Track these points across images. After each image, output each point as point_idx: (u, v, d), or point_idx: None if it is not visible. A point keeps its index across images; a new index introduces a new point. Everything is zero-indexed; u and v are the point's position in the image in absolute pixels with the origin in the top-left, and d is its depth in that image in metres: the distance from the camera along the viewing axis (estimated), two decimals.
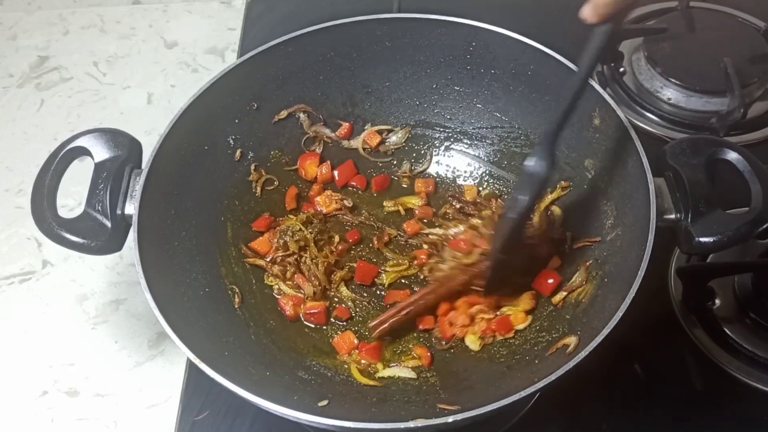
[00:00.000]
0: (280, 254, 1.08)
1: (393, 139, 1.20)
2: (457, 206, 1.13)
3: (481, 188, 1.17)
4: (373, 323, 1.01)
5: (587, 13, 0.78)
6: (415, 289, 1.07)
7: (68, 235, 0.91)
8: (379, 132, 1.19)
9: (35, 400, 1.08)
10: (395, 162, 1.20)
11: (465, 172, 1.19)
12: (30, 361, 1.12)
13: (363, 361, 1.00)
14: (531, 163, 0.89)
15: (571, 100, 0.86)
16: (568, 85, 0.87)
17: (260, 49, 1.08)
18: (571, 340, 0.90)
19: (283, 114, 1.14)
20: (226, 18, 1.60)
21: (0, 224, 1.28)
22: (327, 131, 1.18)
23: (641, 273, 0.83)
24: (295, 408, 0.77)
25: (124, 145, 0.98)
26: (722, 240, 0.88)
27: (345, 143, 1.19)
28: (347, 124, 1.18)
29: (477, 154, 1.18)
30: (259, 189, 1.13)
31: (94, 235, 0.92)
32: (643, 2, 0.70)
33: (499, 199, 1.13)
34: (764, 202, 0.89)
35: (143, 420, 1.05)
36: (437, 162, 1.20)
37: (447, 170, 1.19)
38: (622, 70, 1.38)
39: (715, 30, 1.38)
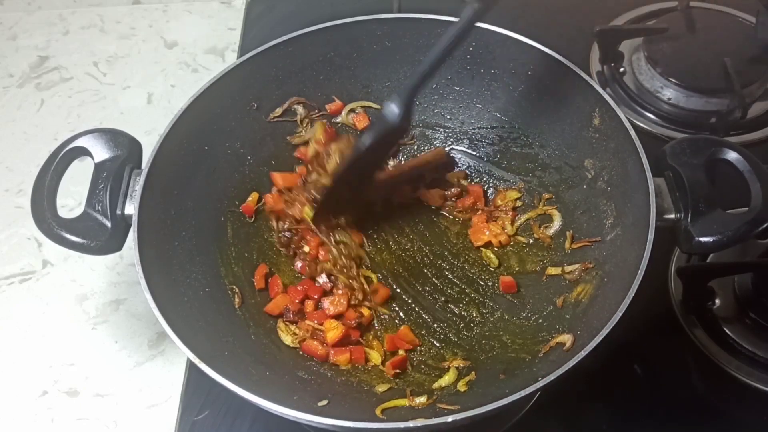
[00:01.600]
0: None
1: None
2: None
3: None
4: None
5: None
6: None
7: (68, 235, 0.91)
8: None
9: (35, 400, 1.08)
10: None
11: (465, 172, 1.18)
12: (30, 361, 1.12)
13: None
14: (387, 108, 0.92)
15: (439, 54, 0.89)
16: (442, 37, 0.89)
17: (260, 49, 1.08)
18: (566, 338, 0.91)
19: (278, 111, 1.13)
20: (226, 18, 1.60)
21: (0, 224, 1.28)
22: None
23: (641, 273, 0.83)
24: (295, 408, 0.77)
25: (124, 145, 0.98)
26: (722, 240, 0.88)
27: (338, 119, 1.19)
28: (339, 101, 1.17)
29: (477, 154, 1.18)
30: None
31: (94, 235, 0.92)
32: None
33: None
34: (764, 201, 0.89)
35: (143, 420, 1.05)
36: None
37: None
38: (622, 70, 1.38)
39: (715, 30, 1.38)
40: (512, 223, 1.11)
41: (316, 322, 1.02)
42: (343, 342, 1.00)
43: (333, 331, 1.00)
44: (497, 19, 1.08)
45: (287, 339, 1.01)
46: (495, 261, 1.09)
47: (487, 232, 1.10)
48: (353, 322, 1.02)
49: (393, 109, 0.92)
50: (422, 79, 0.91)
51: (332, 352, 1.00)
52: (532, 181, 1.14)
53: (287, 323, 1.03)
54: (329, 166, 1.09)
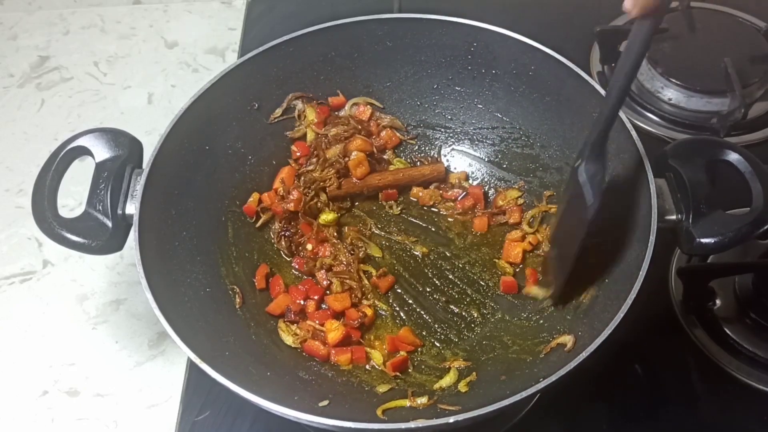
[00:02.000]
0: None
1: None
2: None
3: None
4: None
5: (628, 4, 0.73)
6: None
7: (69, 235, 0.91)
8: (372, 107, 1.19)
9: (35, 399, 1.08)
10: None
11: (466, 172, 1.19)
12: (30, 361, 1.12)
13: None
14: (586, 169, 0.85)
15: (616, 101, 0.82)
16: (609, 90, 0.83)
17: (261, 49, 1.08)
18: (567, 339, 0.91)
19: (278, 112, 1.13)
20: (227, 18, 1.60)
21: (0, 224, 1.28)
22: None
23: (642, 274, 0.83)
24: (295, 408, 0.77)
25: (125, 144, 0.97)
26: (723, 241, 0.88)
27: (341, 113, 1.18)
28: (342, 96, 1.17)
29: (478, 155, 1.18)
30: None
31: (95, 234, 0.92)
32: None
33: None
34: (765, 202, 0.89)
35: (143, 420, 1.05)
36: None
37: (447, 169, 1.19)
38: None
39: (716, 30, 1.38)
40: (527, 222, 1.12)
41: (317, 322, 1.02)
42: (344, 342, 1.00)
43: (334, 332, 1.00)
44: (498, 19, 1.09)
45: (288, 339, 1.01)
46: (510, 270, 1.09)
47: (516, 245, 1.09)
48: (355, 322, 1.02)
49: (596, 165, 0.85)
50: (608, 126, 0.84)
51: (333, 352, 1.00)
52: (533, 182, 1.14)
53: (288, 323, 1.03)
54: (329, 153, 1.11)
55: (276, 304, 1.04)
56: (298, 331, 1.02)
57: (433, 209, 1.16)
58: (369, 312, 1.03)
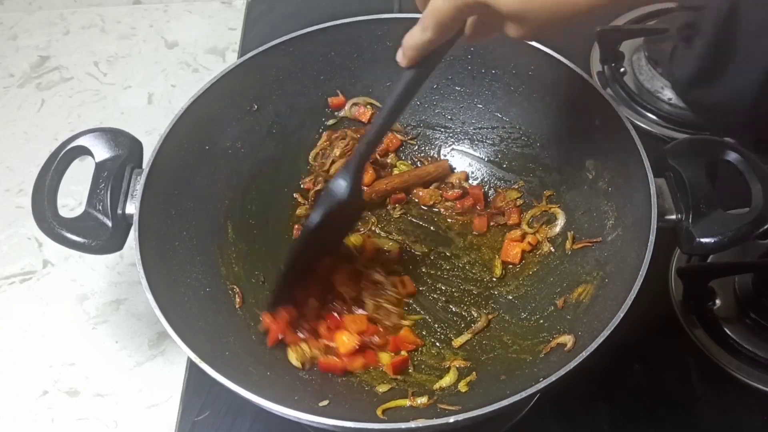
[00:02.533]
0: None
1: None
2: None
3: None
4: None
5: (399, 56, 0.80)
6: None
7: (69, 235, 0.91)
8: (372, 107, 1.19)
9: (35, 400, 1.08)
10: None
11: (466, 172, 1.19)
12: (30, 361, 1.12)
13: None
14: (335, 183, 0.93)
15: (374, 136, 0.89)
16: (374, 120, 0.89)
17: (261, 49, 1.08)
18: (567, 339, 0.91)
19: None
20: (227, 18, 1.60)
21: (0, 224, 1.28)
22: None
23: (642, 273, 0.83)
24: (295, 408, 0.77)
25: (125, 144, 0.98)
26: (723, 240, 0.88)
27: (341, 112, 1.19)
28: (342, 96, 1.17)
29: (478, 155, 1.18)
30: None
31: (95, 234, 0.92)
32: (447, 48, 0.79)
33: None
34: (765, 202, 0.89)
35: (143, 420, 1.05)
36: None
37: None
38: (622, 70, 1.38)
39: None
40: (527, 223, 1.12)
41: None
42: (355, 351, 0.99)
43: (346, 344, 0.98)
44: None
45: (297, 363, 0.97)
46: (500, 271, 1.09)
47: (515, 245, 1.09)
48: (371, 338, 1.00)
49: (341, 183, 0.92)
50: (368, 149, 0.92)
51: (347, 360, 0.98)
52: (533, 182, 1.14)
53: (296, 346, 0.98)
54: (333, 169, 1.13)
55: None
56: (307, 350, 0.98)
57: (433, 209, 1.16)
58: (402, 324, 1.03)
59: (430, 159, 1.19)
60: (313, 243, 0.97)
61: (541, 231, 1.10)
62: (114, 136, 0.98)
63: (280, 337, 0.97)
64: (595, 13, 0.66)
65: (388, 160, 1.19)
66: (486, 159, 1.18)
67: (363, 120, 1.18)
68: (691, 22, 0.74)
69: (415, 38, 0.76)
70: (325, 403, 0.89)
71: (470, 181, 1.18)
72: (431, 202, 1.16)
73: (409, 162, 1.20)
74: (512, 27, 0.71)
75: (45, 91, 1.48)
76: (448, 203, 1.16)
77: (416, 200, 1.17)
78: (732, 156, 0.93)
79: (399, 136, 1.19)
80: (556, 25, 0.68)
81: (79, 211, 0.94)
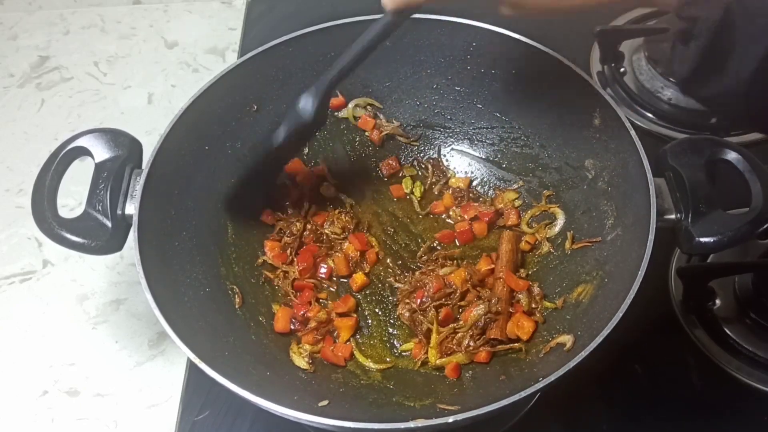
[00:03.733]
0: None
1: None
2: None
3: (480, 188, 1.17)
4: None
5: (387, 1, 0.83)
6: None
7: (69, 235, 0.91)
8: (373, 116, 1.19)
9: (35, 399, 1.08)
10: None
11: (465, 172, 1.19)
12: (30, 361, 1.12)
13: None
14: (301, 102, 0.94)
15: (346, 65, 0.91)
16: (346, 52, 0.91)
17: (261, 49, 1.08)
18: (566, 339, 0.91)
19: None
20: (227, 18, 1.60)
21: (0, 224, 1.28)
22: None
23: (641, 273, 0.83)
24: (295, 408, 0.77)
25: (125, 145, 0.98)
26: (722, 240, 0.88)
27: (341, 113, 1.19)
28: (341, 96, 1.17)
29: (477, 154, 1.18)
30: None
31: (95, 235, 0.92)
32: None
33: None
34: (764, 202, 0.89)
35: (143, 420, 1.05)
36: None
37: (447, 170, 1.19)
38: (622, 70, 1.38)
39: None
40: (526, 223, 1.12)
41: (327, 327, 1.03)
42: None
43: (346, 328, 1.02)
44: (498, 19, 1.08)
45: (303, 363, 0.99)
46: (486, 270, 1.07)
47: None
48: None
49: (306, 103, 0.94)
50: (339, 76, 0.93)
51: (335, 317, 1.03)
52: (533, 182, 1.14)
53: (299, 346, 1.01)
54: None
55: (279, 321, 1.02)
56: (306, 347, 1.00)
57: (441, 216, 1.16)
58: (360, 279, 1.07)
59: (432, 160, 1.19)
60: (273, 159, 1.03)
61: (541, 231, 1.10)
62: (114, 136, 0.98)
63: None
64: (592, 8, 0.66)
65: (401, 174, 1.20)
66: (485, 159, 1.18)
67: (366, 129, 1.18)
68: (686, 29, 0.76)
69: None
70: (324, 403, 0.89)
71: (472, 184, 1.18)
72: (443, 209, 1.15)
73: (411, 165, 1.20)
74: (506, 7, 0.75)
75: (45, 91, 1.48)
76: (454, 209, 1.15)
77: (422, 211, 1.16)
78: (731, 156, 0.93)
79: (401, 140, 1.19)
80: (548, 17, 0.71)
81: (78, 211, 0.94)
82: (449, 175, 1.18)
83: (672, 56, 0.81)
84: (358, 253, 1.10)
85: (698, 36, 0.74)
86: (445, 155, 1.20)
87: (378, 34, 0.88)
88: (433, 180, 1.18)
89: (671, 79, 1.31)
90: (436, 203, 1.16)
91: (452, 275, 1.04)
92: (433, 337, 1.00)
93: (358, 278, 1.07)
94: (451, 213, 1.15)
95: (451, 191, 1.16)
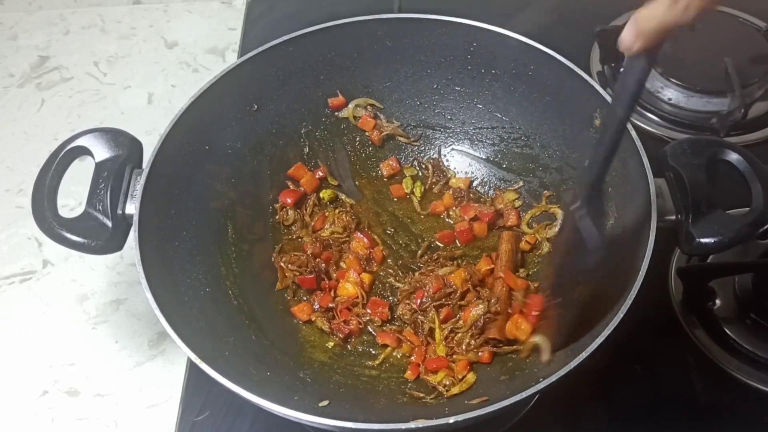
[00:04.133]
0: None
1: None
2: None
3: (481, 188, 1.17)
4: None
5: (628, 38, 0.65)
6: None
7: (69, 235, 0.91)
8: (374, 116, 1.19)
9: (35, 399, 1.08)
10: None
11: (466, 172, 1.19)
12: (30, 361, 1.12)
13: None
14: (588, 211, 0.80)
15: (611, 145, 0.77)
16: (604, 129, 0.78)
17: (260, 49, 1.08)
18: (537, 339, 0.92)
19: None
20: (227, 18, 1.60)
21: (0, 224, 1.28)
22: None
23: (642, 273, 0.83)
24: (295, 408, 0.77)
25: (125, 144, 0.97)
26: (723, 241, 0.88)
27: (341, 113, 1.19)
28: (342, 96, 1.17)
29: (478, 155, 1.18)
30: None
31: (95, 234, 0.92)
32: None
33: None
34: (765, 202, 0.89)
35: (143, 420, 1.05)
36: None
37: (446, 170, 1.19)
38: (622, 70, 1.38)
39: (716, 30, 1.37)
40: (527, 224, 1.12)
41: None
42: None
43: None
44: (498, 19, 1.09)
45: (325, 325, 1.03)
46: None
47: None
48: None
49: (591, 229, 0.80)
50: (604, 169, 0.80)
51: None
52: (533, 182, 1.14)
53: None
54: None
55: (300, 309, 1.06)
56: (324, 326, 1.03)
57: (441, 216, 1.16)
58: (367, 278, 1.07)
59: (432, 160, 1.19)
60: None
61: (541, 231, 1.10)
62: (114, 136, 0.98)
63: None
64: None
65: (401, 174, 1.20)
66: (486, 159, 1.18)
67: (366, 129, 1.18)
68: None
69: (658, 15, 0.62)
70: (325, 403, 0.89)
71: (473, 184, 1.18)
72: (443, 209, 1.15)
73: (411, 166, 1.20)
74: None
75: (45, 91, 1.48)
76: (453, 209, 1.15)
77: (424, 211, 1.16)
78: (732, 156, 0.93)
79: (402, 140, 1.19)
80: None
81: (79, 211, 0.94)
82: (449, 176, 1.18)
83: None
84: (368, 251, 1.10)
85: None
86: (445, 155, 1.20)
87: (634, 94, 0.71)
88: (434, 180, 1.18)
89: (672, 79, 1.31)
90: (436, 203, 1.16)
91: (452, 275, 1.04)
92: (437, 333, 1.00)
93: (366, 278, 1.07)
94: (451, 213, 1.15)
95: (451, 191, 1.16)
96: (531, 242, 1.09)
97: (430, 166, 1.19)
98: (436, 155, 1.20)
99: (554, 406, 1.00)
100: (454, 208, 1.15)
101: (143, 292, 0.85)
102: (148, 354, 1.12)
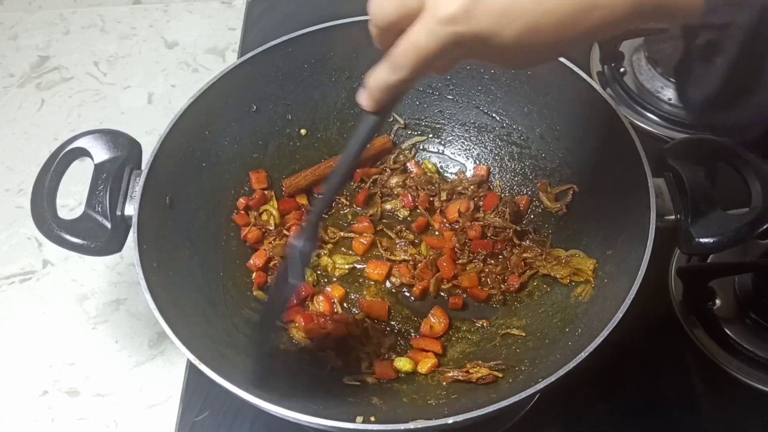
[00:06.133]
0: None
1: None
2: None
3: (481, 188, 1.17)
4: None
5: (362, 99, 0.69)
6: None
7: (68, 236, 0.91)
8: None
9: (35, 399, 1.08)
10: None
11: (465, 172, 1.18)
12: (30, 361, 1.12)
13: None
14: (303, 246, 0.82)
15: (335, 186, 0.79)
16: (335, 170, 0.78)
17: (260, 49, 1.08)
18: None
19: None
20: (227, 18, 1.60)
21: (0, 224, 1.28)
22: None
23: (641, 273, 0.83)
24: (295, 408, 0.77)
25: (124, 146, 0.97)
26: (722, 240, 0.88)
27: None
28: None
29: (476, 155, 1.18)
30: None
31: (94, 236, 0.92)
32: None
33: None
34: (764, 202, 0.89)
35: (143, 420, 1.05)
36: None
37: (445, 170, 1.20)
38: (622, 70, 1.38)
39: None
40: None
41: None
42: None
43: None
44: None
45: (299, 335, 1.02)
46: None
47: None
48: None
49: (304, 248, 0.82)
50: (325, 206, 0.85)
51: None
52: (533, 182, 1.13)
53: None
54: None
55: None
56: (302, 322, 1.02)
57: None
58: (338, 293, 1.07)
59: (431, 161, 1.19)
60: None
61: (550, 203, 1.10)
62: (113, 137, 0.98)
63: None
64: (609, 31, 0.59)
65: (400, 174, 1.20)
66: (485, 159, 1.18)
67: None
68: (708, 42, 0.65)
69: (383, 79, 0.66)
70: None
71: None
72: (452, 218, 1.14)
73: (408, 164, 1.20)
74: (510, 60, 0.63)
75: (45, 91, 1.48)
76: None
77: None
78: (731, 156, 0.93)
79: (399, 138, 1.20)
80: (560, 49, 0.61)
81: (78, 212, 0.94)
82: (448, 176, 1.18)
83: (686, 79, 0.69)
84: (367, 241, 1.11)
85: (726, 49, 0.63)
86: (445, 155, 1.20)
87: (361, 144, 0.73)
88: (433, 180, 1.18)
89: (672, 79, 1.31)
90: (435, 203, 1.16)
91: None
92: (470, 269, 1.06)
93: (337, 292, 1.07)
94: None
95: (449, 192, 1.16)
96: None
97: (429, 166, 1.19)
98: (435, 155, 1.20)
99: (554, 405, 1.00)
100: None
101: (143, 292, 0.85)
102: (147, 354, 1.12)
